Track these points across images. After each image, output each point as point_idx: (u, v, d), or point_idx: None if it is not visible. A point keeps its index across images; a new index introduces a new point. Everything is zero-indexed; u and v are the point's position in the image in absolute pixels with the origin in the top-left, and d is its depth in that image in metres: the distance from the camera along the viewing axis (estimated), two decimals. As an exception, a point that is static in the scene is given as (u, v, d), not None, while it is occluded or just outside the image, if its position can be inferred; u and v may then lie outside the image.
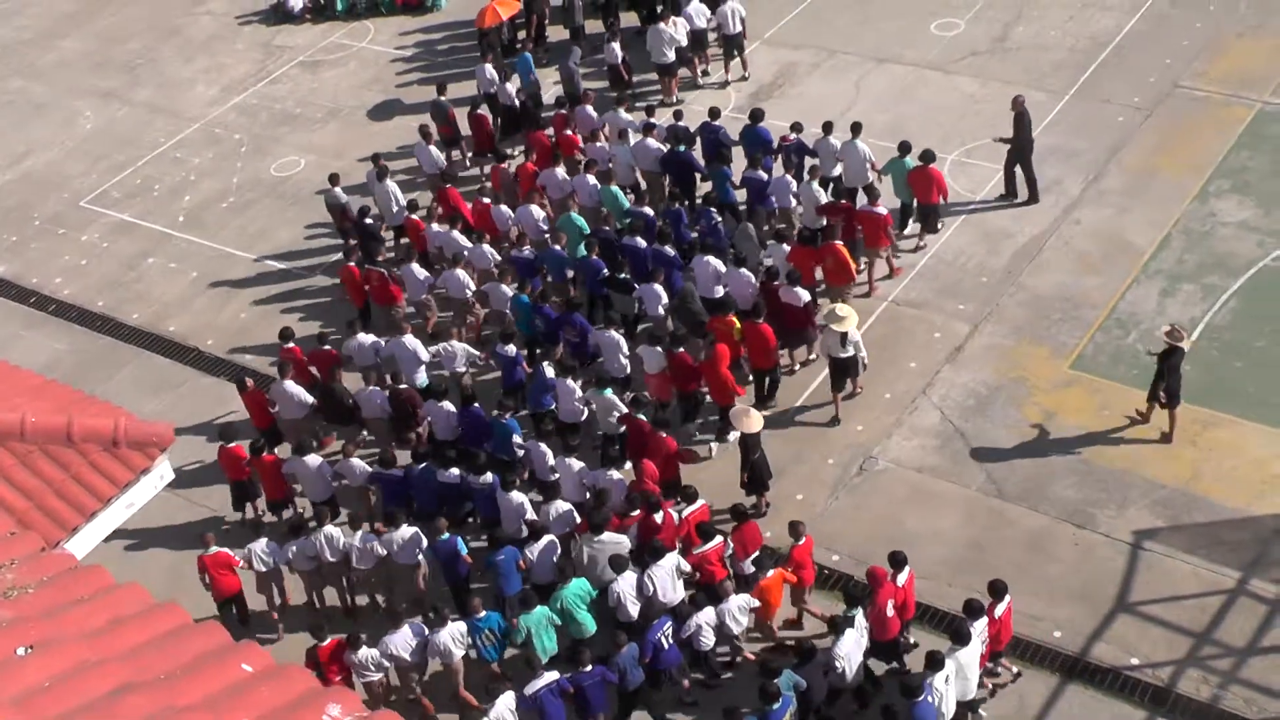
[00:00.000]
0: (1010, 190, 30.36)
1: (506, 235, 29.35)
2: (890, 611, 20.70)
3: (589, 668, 20.44)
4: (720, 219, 28.43)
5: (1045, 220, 29.75)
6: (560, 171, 30.32)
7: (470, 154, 34.08)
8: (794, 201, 29.21)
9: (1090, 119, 32.27)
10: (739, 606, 21.24)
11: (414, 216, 30.11)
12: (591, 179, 29.76)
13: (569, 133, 31.62)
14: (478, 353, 27.04)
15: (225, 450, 25.16)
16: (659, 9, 35.57)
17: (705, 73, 35.71)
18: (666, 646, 20.93)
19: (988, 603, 20.33)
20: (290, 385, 25.99)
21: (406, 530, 23.05)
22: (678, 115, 31.51)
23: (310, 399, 26.05)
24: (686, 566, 21.78)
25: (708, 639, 21.20)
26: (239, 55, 41.33)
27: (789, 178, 29.38)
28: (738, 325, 25.80)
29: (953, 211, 30.13)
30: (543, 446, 24.23)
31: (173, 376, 29.66)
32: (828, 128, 29.83)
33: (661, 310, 27.06)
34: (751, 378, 26.57)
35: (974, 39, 35.55)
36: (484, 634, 21.63)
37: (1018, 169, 30.07)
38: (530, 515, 23.16)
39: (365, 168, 32.92)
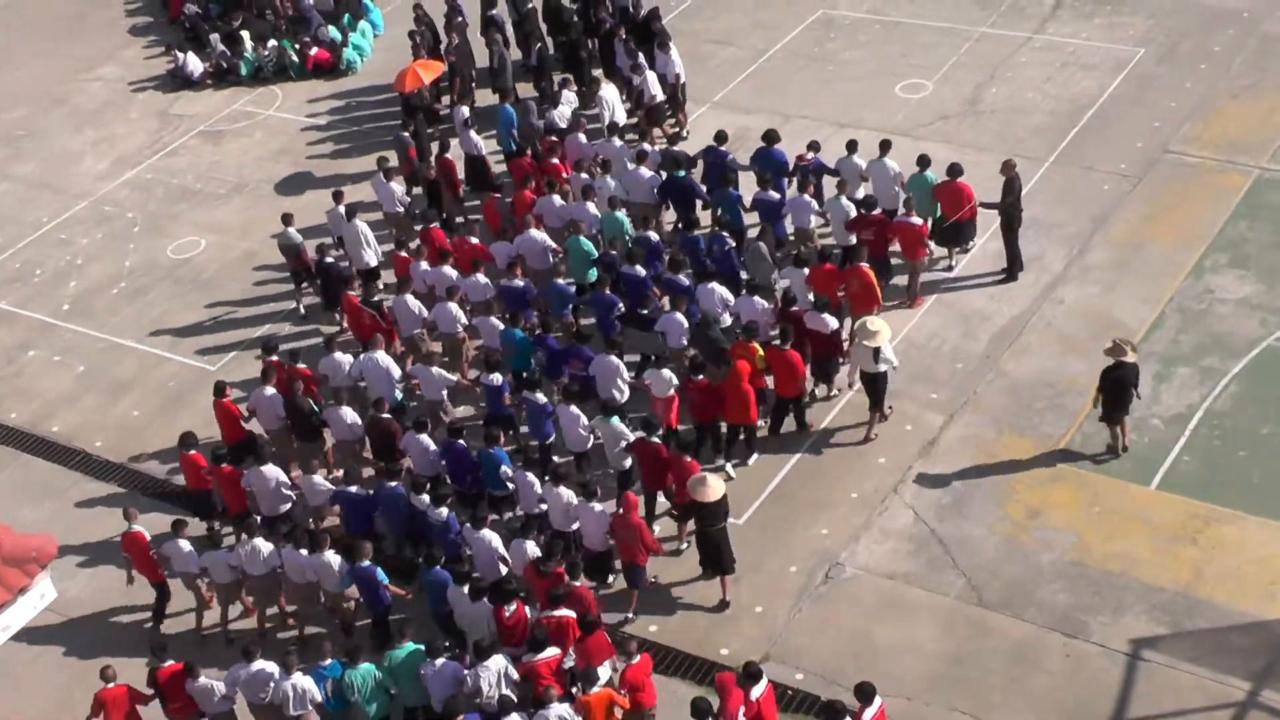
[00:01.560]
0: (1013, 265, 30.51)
1: (509, 269, 29.75)
2: None
3: None
4: (734, 245, 29.50)
5: (1026, 299, 29.81)
6: (557, 199, 31.16)
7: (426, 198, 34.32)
8: (813, 222, 30.35)
9: (1073, 188, 32.46)
10: (558, 716, 21.04)
11: (402, 254, 30.73)
12: (592, 206, 30.78)
13: (555, 161, 32.48)
14: (453, 378, 27.79)
15: (185, 458, 26.50)
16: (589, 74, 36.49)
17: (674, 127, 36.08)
18: None
19: (856, 707, 20.25)
20: (270, 392, 27.33)
21: (331, 555, 24.04)
22: (673, 140, 33.30)
23: (283, 410, 27.35)
24: (514, 674, 21.97)
25: None
26: (132, 125, 41.23)
27: (807, 197, 30.25)
28: (760, 353, 26.48)
29: (924, 289, 30.17)
30: (529, 476, 25.01)
31: (56, 482, 29.28)
32: (852, 146, 30.83)
33: (684, 341, 27.73)
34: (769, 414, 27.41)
35: (943, 102, 35.78)
36: (327, 684, 22.31)
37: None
38: (501, 552, 24.01)
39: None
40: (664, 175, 31.52)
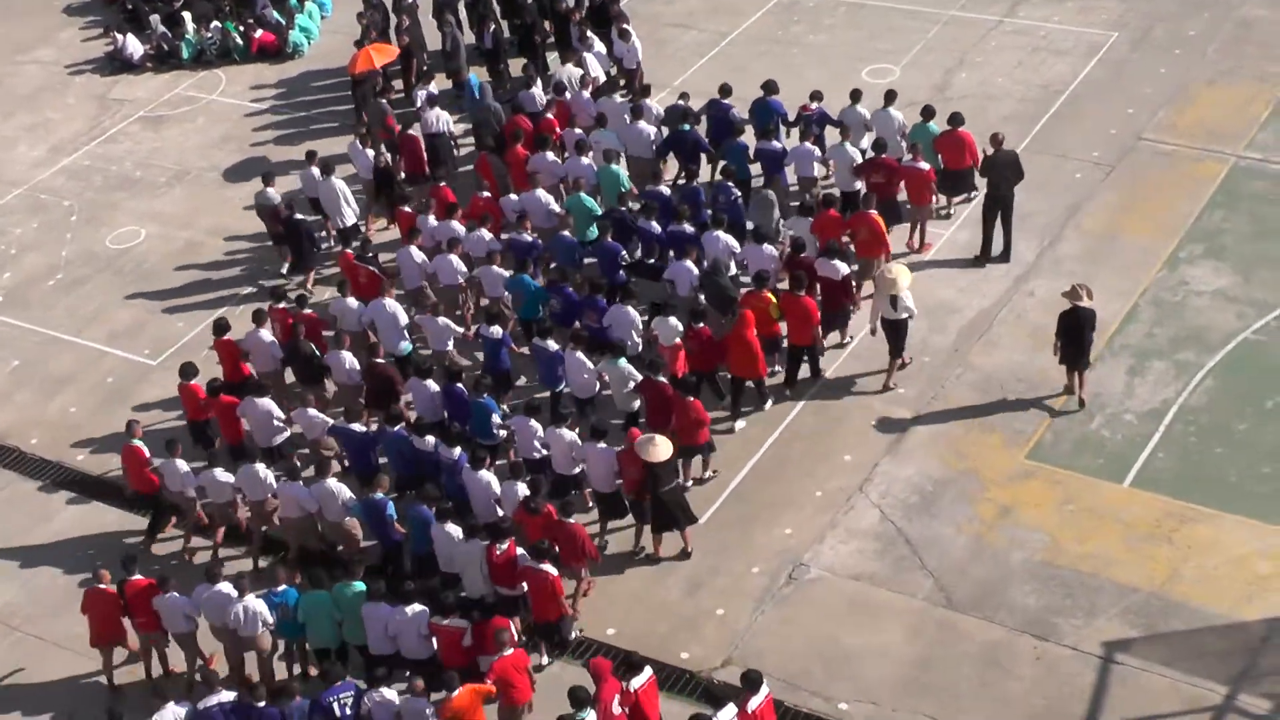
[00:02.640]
0: (986, 249, 30.70)
1: (510, 224, 30.67)
2: (617, 710, 20.83)
3: (261, 704, 22.09)
4: (739, 194, 30.37)
5: (996, 292, 29.88)
6: (550, 155, 31.97)
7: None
8: (817, 170, 31.30)
9: (1044, 177, 32.49)
10: (385, 698, 22.10)
11: (406, 209, 31.80)
12: (586, 160, 31.53)
13: (549, 116, 33.22)
14: (459, 330, 28.90)
15: (183, 387, 27.64)
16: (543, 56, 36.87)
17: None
18: (339, 715, 22.05)
19: (741, 695, 20.58)
20: (264, 334, 28.45)
21: (334, 482, 25.18)
22: (683, 96, 33.33)
23: (280, 353, 28.48)
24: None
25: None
26: (69, 110, 41.02)
27: (810, 145, 31.26)
28: (774, 301, 27.25)
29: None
30: (532, 422, 25.76)
31: (-11, 481, 29.18)
32: (856, 95, 31.94)
33: (691, 289, 28.52)
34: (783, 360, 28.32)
35: (912, 87, 35.74)
36: (278, 609, 23.61)
37: (999, 220, 30.56)
38: (498, 493, 24.82)
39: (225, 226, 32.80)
40: (665, 131, 32.59)
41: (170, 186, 37.20)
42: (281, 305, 29.52)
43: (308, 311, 29.18)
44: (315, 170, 32.71)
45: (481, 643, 22.73)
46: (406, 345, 28.81)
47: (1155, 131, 33.50)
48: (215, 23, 42.58)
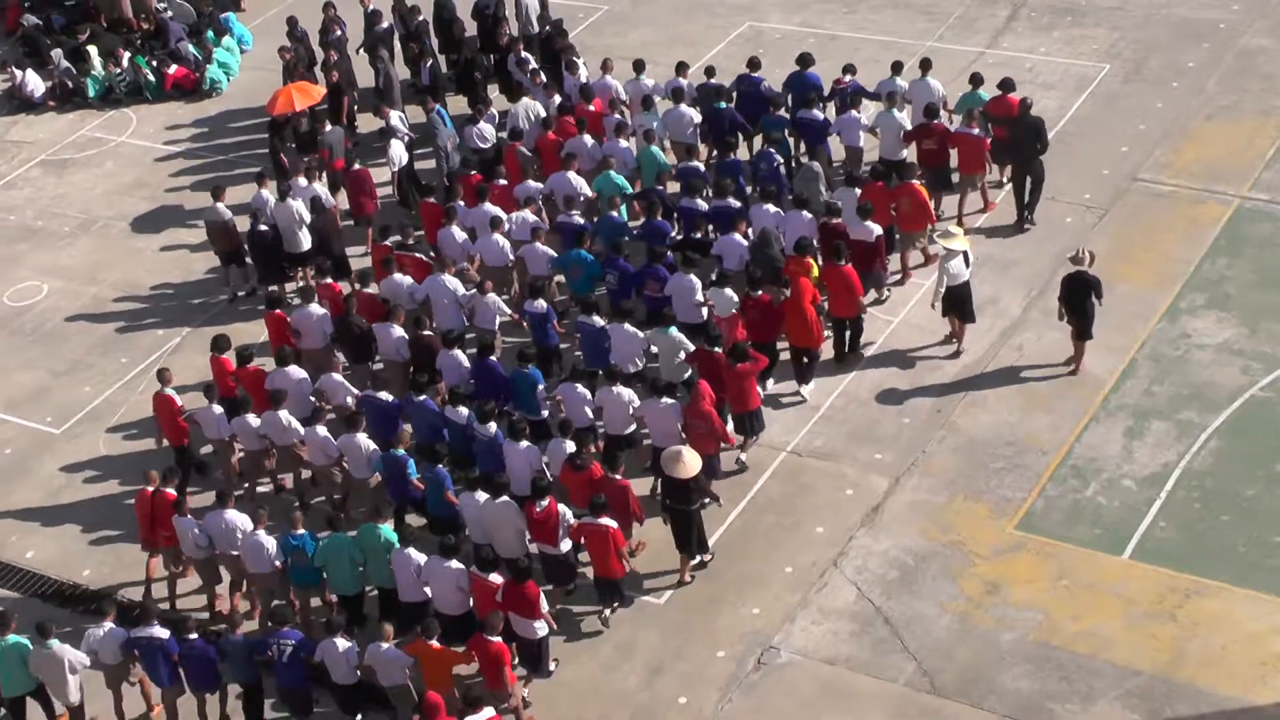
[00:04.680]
0: (1021, 215, 32.61)
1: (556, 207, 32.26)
2: None
3: (193, 635, 23.93)
4: (781, 161, 32.25)
5: (980, 347, 29.93)
6: (588, 139, 33.46)
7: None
8: (863, 139, 32.84)
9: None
10: (343, 648, 23.71)
11: (430, 200, 33.13)
12: (624, 142, 33.20)
13: (591, 107, 34.63)
14: (508, 310, 30.09)
15: (215, 359, 29.29)
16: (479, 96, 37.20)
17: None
18: (279, 658, 23.74)
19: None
20: (315, 309, 29.91)
21: (362, 437, 26.89)
22: (709, 72, 34.78)
23: (331, 328, 29.96)
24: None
25: (343, 670, 23.80)
26: (-37, 154, 40.89)
27: (855, 114, 32.99)
28: (816, 269, 28.91)
29: (867, 335, 30.19)
30: (579, 387, 27.39)
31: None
32: (896, 67, 33.71)
33: (740, 263, 30.02)
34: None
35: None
36: (295, 553, 25.38)
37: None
38: (541, 465, 26.06)
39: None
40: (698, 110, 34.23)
41: (75, 237, 37.05)
42: (327, 280, 30.90)
43: (366, 289, 31.01)
44: (266, 193, 33.20)
45: (514, 602, 23.81)
46: (463, 322, 30.04)
47: (1151, 171, 33.66)
48: (125, 57, 42.45)
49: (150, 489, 26.58)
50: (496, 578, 24.14)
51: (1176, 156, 34.02)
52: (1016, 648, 24.28)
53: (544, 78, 35.98)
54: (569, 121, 33.89)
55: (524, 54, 37.30)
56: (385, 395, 28.25)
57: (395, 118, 35.80)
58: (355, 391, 28.49)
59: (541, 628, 24.12)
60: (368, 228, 33.89)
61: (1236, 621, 24.24)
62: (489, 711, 22.25)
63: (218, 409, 28.12)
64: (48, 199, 38.63)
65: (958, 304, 29.29)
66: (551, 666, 24.81)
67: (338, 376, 28.66)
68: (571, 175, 32.30)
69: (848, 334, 29.82)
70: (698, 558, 26.21)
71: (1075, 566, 25.43)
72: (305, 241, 32.92)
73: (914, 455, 27.88)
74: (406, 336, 29.29)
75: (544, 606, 24.03)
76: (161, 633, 24.09)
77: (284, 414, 27.61)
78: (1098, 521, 26.09)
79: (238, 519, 25.74)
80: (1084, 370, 28.83)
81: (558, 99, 35.26)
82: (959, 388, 29.07)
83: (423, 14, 39.54)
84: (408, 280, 30.52)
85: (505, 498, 25.22)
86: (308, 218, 32.79)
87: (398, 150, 34.85)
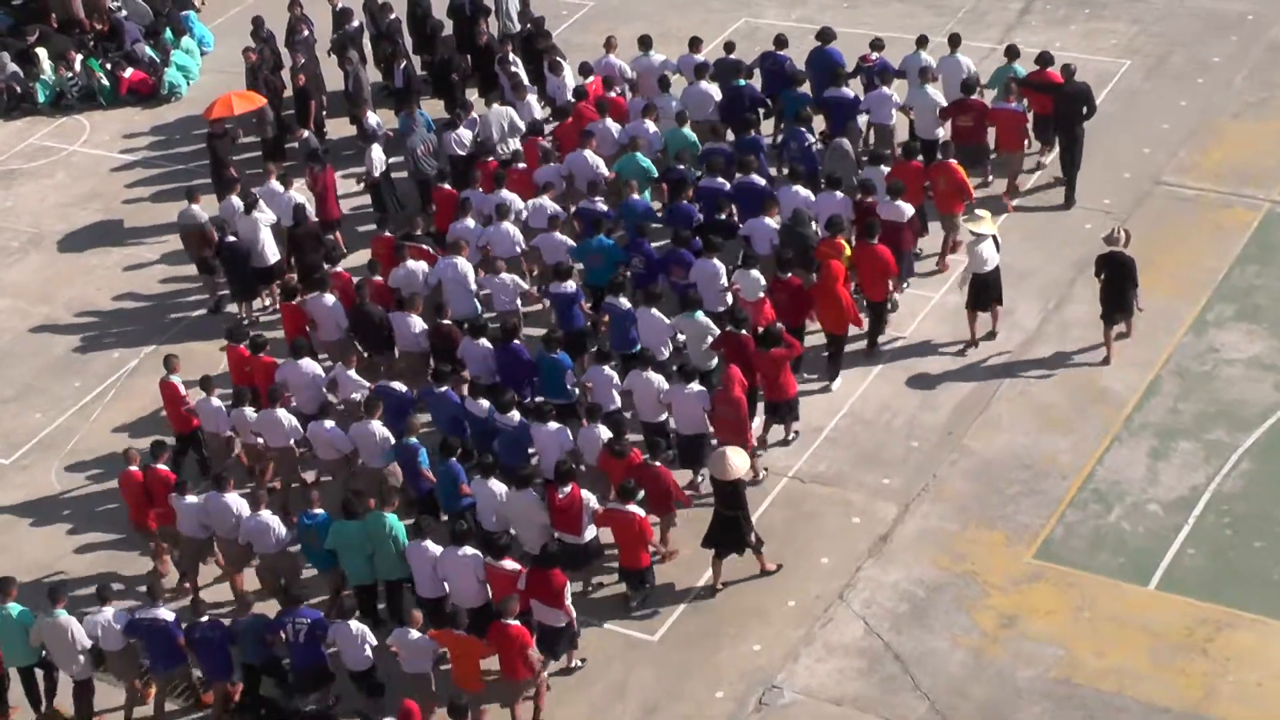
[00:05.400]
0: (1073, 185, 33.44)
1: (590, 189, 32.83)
2: None
3: (205, 618, 25.00)
4: (813, 140, 32.83)
5: (994, 362, 29.99)
6: (611, 122, 34.12)
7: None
8: (894, 118, 33.73)
9: (1048, 228, 32.75)
10: (357, 630, 24.41)
11: (445, 187, 33.88)
12: (650, 125, 33.77)
13: (616, 94, 35.37)
14: (525, 285, 31.17)
15: (230, 349, 30.31)
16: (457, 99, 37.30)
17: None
18: (295, 639, 24.51)
19: None
20: (330, 300, 30.44)
21: (377, 425, 27.50)
22: (729, 48, 35.92)
23: (346, 321, 30.57)
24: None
25: (355, 653, 24.53)
26: (-96, 165, 40.89)
27: (887, 91, 33.77)
28: (848, 250, 29.52)
29: (869, 356, 30.24)
30: (606, 370, 28.13)
31: None
32: (922, 41, 34.62)
33: (770, 248, 30.46)
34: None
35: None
36: (307, 533, 26.25)
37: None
38: (572, 446, 26.89)
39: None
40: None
41: (24, 253, 37.08)
42: (338, 269, 31.47)
43: (376, 278, 31.18)
44: (236, 200, 33.43)
45: (536, 590, 24.37)
46: (476, 307, 30.74)
47: (1176, 174, 33.73)
48: (78, 60, 42.45)
49: (135, 468, 27.46)
50: (510, 564, 24.71)
51: (1202, 158, 34.09)
52: (1035, 685, 24.25)
53: (527, 85, 36.14)
54: (588, 107, 34.47)
55: (511, 56, 37.33)
56: (399, 386, 28.79)
57: (373, 120, 35.87)
58: (368, 386, 28.90)
59: (562, 618, 24.71)
60: (334, 233, 34.29)
61: (1272, 656, 24.23)
62: None
63: (216, 401, 28.91)
64: (-6, 212, 38.72)
65: (985, 292, 29.72)
66: (577, 663, 25.58)
67: (351, 372, 29.21)
68: (588, 154, 32.98)
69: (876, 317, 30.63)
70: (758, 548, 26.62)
71: (1098, 597, 25.41)
72: (272, 255, 33.06)
73: (924, 480, 27.88)
74: (426, 327, 29.96)
75: (568, 598, 24.55)
76: (167, 615, 24.98)
77: (281, 412, 28.24)
78: (1121, 549, 26.08)
79: (234, 502, 26.56)
80: (1104, 388, 28.83)
81: (537, 112, 35.57)
82: (971, 407, 29.07)
83: (395, 12, 39.57)
84: (422, 267, 31.09)
85: (529, 490, 25.93)
86: (270, 233, 33.01)
87: (377, 155, 34.83)
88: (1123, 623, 24.97)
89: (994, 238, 29.63)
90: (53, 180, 39.57)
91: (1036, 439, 28.25)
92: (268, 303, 33.59)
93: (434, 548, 25.27)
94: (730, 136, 34.34)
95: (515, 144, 34.79)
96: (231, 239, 32.85)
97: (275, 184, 33.95)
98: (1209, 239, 31.93)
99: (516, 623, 23.65)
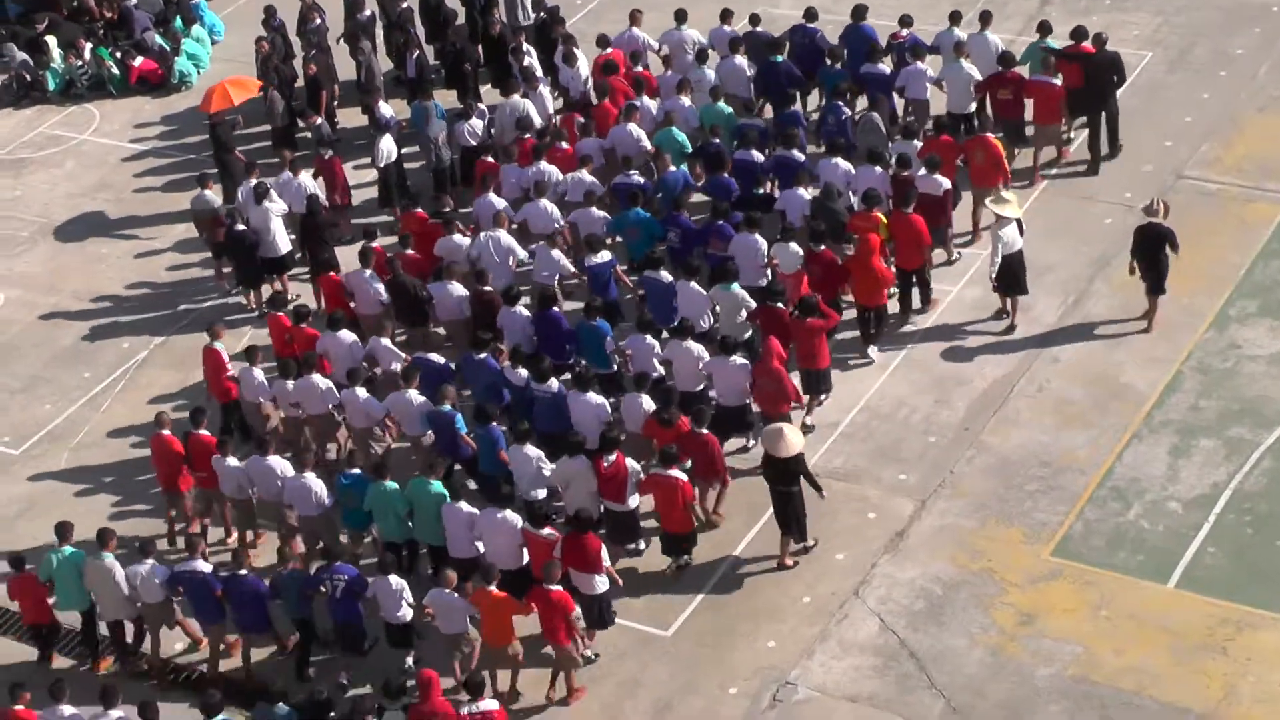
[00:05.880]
0: (1095, 158, 34.03)
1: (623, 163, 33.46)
2: None
3: (243, 571, 25.70)
4: (850, 114, 33.49)
5: (1012, 359, 29.94)
6: (648, 100, 34.57)
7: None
8: (929, 92, 34.29)
9: (1068, 221, 32.71)
10: (396, 586, 25.13)
11: (488, 159, 34.09)
12: (686, 100, 34.21)
13: (641, 69, 35.97)
14: (570, 266, 31.41)
15: (271, 319, 31.13)
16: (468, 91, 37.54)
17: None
18: (333, 593, 25.21)
19: None
20: (367, 273, 31.05)
21: (414, 393, 28.21)
22: (754, 20, 36.61)
23: (386, 295, 31.06)
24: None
25: (394, 607, 25.25)
26: (-88, 153, 40.96)
27: (922, 65, 34.28)
28: (884, 221, 30.00)
29: (890, 346, 30.32)
30: (648, 338, 28.53)
31: None
32: (955, 17, 35.11)
33: (803, 218, 31.12)
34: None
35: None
36: (345, 493, 27.00)
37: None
38: (609, 418, 27.43)
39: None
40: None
41: (33, 243, 37.13)
42: (375, 243, 31.81)
43: (409, 252, 31.65)
44: (252, 183, 33.63)
45: (571, 556, 24.97)
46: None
47: (1198, 168, 33.70)
48: (88, 49, 42.48)
49: (167, 432, 28.30)
50: (550, 532, 25.27)
51: (1225, 151, 34.04)
52: (1053, 683, 24.23)
53: (541, 77, 36.18)
54: (622, 82, 34.99)
55: (526, 46, 37.32)
56: (437, 357, 29.30)
57: (387, 111, 35.89)
58: (404, 357, 29.54)
59: (603, 582, 25.13)
60: (341, 219, 34.72)
61: (1293, 655, 24.27)
62: (492, 703, 23.24)
63: (258, 372, 29.43)
64: (3, 202, 38.70)
65: (1011, 275, 29.95)
66: (590, 655, 25.69)
67: (386, 341, 29.85)
68: (632, 127, 33.37)
69: (914, 290, 30.97)
70: (801, 544, 26.84)
71: (1117, 596, 25.38)
72: (284, 245, 33.22)
73: (941, 476, 27.88)
74: (466, 293, 30.49)
75: (605, 560, 25.16)
76: (205, 567, 25.87)
77: (317, 378, 28.88)
78: (1141, 547, 26.05)
79: (278, 464, 27.41)
80: (1124, 385, 28.81)
81: (549, 102, 35.63)
82: (989, 403, 29.05)
83: (407, 1, 39.55)
84: (465, 240, 31.63)
85: (580, 457, 26.34)
86: (282, 223, 33.19)
87: (387, 145, 34.92)
88: (1142, 621, 24.94)
89: (1018, 221, 29.78)
90: (62, 170, 39.61)
91: (1055, 435, 28.22)
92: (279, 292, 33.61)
93: (469, 508, 25.92)
94: (765, 112, 35.11)
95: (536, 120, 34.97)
96: (240, 227, 32.94)
97: (287, 172, 34.06)
98: (1232, 234, 31.87)
99: (559, 588, 24.20)
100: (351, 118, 38.11)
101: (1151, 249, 29.20)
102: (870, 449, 28.49)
